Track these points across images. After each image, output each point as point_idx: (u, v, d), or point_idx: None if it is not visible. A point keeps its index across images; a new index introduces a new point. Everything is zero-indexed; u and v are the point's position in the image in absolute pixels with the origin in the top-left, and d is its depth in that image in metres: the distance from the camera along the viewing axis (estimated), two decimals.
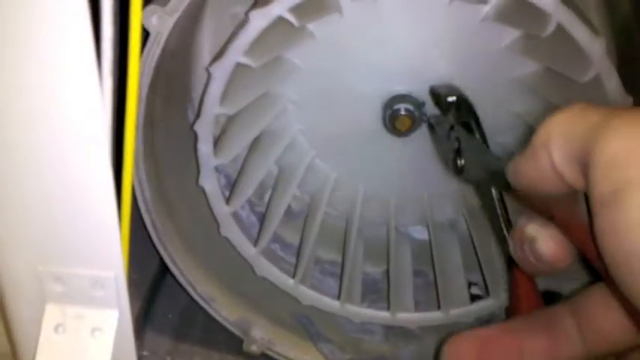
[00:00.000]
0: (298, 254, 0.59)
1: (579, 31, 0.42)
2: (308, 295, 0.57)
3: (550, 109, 0.54)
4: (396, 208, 0.63)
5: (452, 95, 0.51)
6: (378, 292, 0.65)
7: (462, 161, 0.44)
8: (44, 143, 0.28)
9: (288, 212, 0.63)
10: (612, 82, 0.44)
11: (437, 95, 0.54)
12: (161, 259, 0.53)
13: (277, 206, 0.57)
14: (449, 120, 0.49)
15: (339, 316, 0.59)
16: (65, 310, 0.31)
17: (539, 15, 0.43)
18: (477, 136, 0.48)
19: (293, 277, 0.58)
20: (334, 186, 0.62)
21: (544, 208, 0.27)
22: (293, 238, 0.64)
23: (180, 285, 0.55)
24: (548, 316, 0.28)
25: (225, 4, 0.54)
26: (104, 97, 0.27)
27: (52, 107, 0.27)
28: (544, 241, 0.26)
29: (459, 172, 0.44)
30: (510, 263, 0.33)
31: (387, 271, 0.62)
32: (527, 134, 0.58)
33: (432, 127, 0.54)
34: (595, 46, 0.43)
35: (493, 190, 0.39)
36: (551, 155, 0.24)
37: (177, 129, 0.55)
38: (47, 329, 0.31)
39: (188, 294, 0.55)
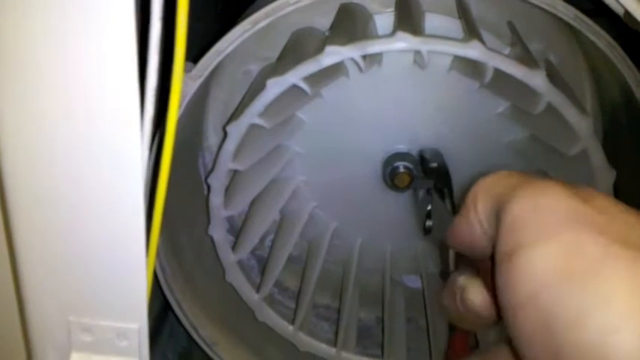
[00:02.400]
0: (297, 301, 0.61)
1: (568, 111, 0.46)
2: (306, 341, 0.60)
3: (538, 173, 0.58)
4: (392, 257, 0.66)
5: (434, 162, 0.55)
6: (371, 338, 0.67)
7: (430, 222, 0.48)
8: (81, 201, 0.31)
9: (288, 257, 0.65)
10: (598, 158, 0.48)
11: (422, 159, 0.57)
12: (163, 298, 0.54)
13: (279, 255, 0.60)
14: (428, 184, 0.53)
15: None
16: (91, 358, 0.33)
17: (531, 93, 0.47)
18: (448, 201, 0.51)
19: (292, 322, 0.60)
20: (333, 235, 0.65)
21: (476, 267, 0.28)
22: (290, 282, 0.67)
23: (181, 325, 0.57)
24: None
25: (239, 62, 0.57)
26: (142, 159, 0.30)
27: (91, 169, 0.30)
28: (472, 291, 0.27)
29: (426, 231, 0.48)
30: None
31: (382, 319, 0.64)
32: None
33: (414, 189, 0.58)
34: (583, 125, 0.46)
35: (450, 252, 0.43)
36: (478, 213, 0.25)
37: (187, 178, 0.58)
38: None
39: (188, 334, 0.57)
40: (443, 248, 0.46)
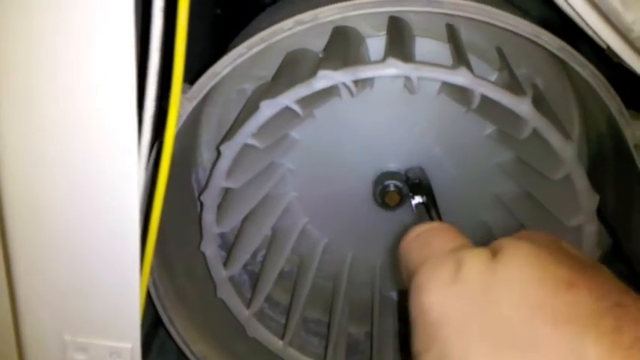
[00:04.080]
0: (287, 316, 0.62)
1: (553, 137, 0.48)
2: (295, 357, 0.60)
3: (525, 193, 0.60)
4: (381, 272, 0.67)
5: (416, 179, 0.57)
6: (359, 354, 0.68)
7: None
8: (77, 222, 0.32)
9: (279, 272, 0.66)
10: (581, 182, 0.49)
11: (406, 177, 0.59)
12: (154, 314, 0.55)
13: (271, 271, 0.60)
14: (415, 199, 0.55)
15: None
16: None
17: (517, 118, 0.49)
18: (434, 214, 0.53)
19: (282, 337, 0.61)
20: (324, 250, 0.66)
21: None
22: (280, 297, 0.68)
23: (171, 340, 0.57)
24: None
25: (234, 81, 0.59)
26: (139, 183, 0.31)
27: (88, 191, 0.31)
28: None
29: None
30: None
31: (371, 333, 0.65)
32: (506, 214, 0.64)
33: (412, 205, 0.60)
34: (567, 150, 0.48)
35: None
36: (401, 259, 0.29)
37: (180, 194, 0.59)
38: None
39: (177, 350, 0.58)
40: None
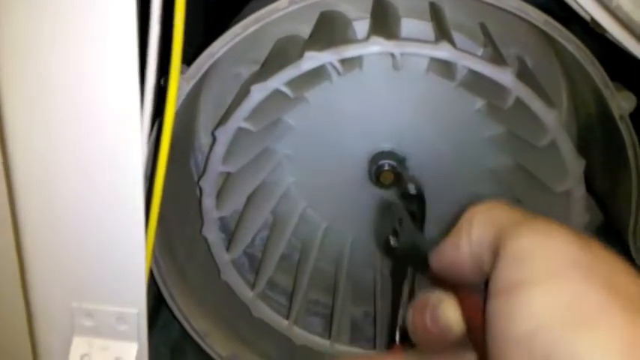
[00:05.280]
0: (291, 298, 0.64)
1: (536, 104, 0.49)
2: (301, 335, 0.62)
3: (517, 165, 0.61)
4: (382, 252, 0.69)
5: (413, 187, 0.57)
6: (359, 332, 0.70)
7: (395, 242, 0.50)
8: (83, 192, 0.33)
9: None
10: (566, 147, 0.51)
11: (401, 182, 0.60)
12: (157, 292, 0.57)
13: (272, 254, 0.62)
14: (400, 205, 0.55)
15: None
16: (92, 342, 0.36)
17: (501, 89, 0.50)
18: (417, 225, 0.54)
19: (286, 318, 0.63)
20: (324, 233, 0.68)
21: (451, 290, 0.28)
22: (280, 279, 0.69)
23: (175, 319, 0.59)
24: None
25: (229, 65, 0.60)
26: (142, 148, 0.32)
27: (94, 161, 0.32)
28: (447, 306, 0.27)
29: (389, 250, 0.49)
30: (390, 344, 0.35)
31: (374, 312, 0.67)
32: (498, 187, 0.65)
33: (381, 209, 0.61)
34: (550, 117, 0.49)
35: (409, 272, 0.43)
36: (471, 236, 0.25)
37: (179, 177, 0.61)
38: (74, 358, 0.36)
39: (181, 328, 0.60)
40: (399, 267, 0.47)
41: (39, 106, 0.31)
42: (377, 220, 0.62)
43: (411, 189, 0.50)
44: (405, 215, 0.52)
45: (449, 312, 0.27)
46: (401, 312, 0.39)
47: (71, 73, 0.31)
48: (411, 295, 0.44)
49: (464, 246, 0.25)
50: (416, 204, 0.56)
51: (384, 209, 0.60)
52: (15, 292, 0.36)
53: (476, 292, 0.26)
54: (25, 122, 0.31)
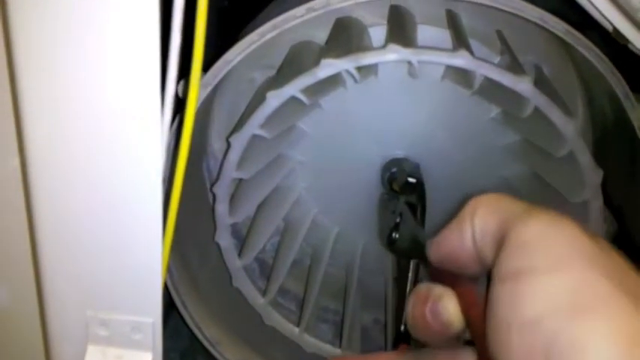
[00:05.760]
0: (302, 304, 0.64)
1: (554, 114, 0.49)
2: (311, 343, 0.62)
3: (532, 175, 0.61)
4: (393, 260, 0.69)
5: (413, 177, 0.57)
6: (369, 339, 0.69)
7: (396, 235, 0.49)
8: (101, 200, 0.33)
9: None
10: (584, 158, 0.50)
11: (400, 172, 0.59)
12: (168, 299, 0.57)
13: (284, 261, 0.62)
14: (400, 198, 0.55)
15: None
16: (106, 351, 0.36)
17: (519, 97, 0.50)
18: (418, 217, 0.53)
19: (297, 325, 0.62)
20: (336, 239, 0.67)
21: (449, 282, 0.28)
22: (291, 285, 0.69)
23: (185, 324, 0.59)
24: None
25: (244, 70, 0.60)
26: (160, 159, 0.32)
27: (112, 169, 0.32)
28: (448, 300, 0.27)
29: (390, 243, 0.49)
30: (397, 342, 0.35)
31: (384, 320, 0.66)
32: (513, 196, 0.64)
33: (381, 202, 0.60)
34: (568, 127, 0.49)
35: (412, 263, 0.43)
36: (474, 226, 0.25)
37: (191, 183, 0.61)
38: None
39: (191, 334, 0.60)
40: (403, 262, 0.46)
41: (58, 114, 0.31)
42: (380, 215, 0.61)
43: (411, 179, 0.50)
44: (405, 208, 0.52)
45: (450, 307, 0.27)
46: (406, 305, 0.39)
47: (91, 79, 0.31)
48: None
49: (466, 236, 0.25)
50: (416, 195, 0.55)
51: (386, 204, 0.59)
52: (30, 300, 0.35)
53: (475, 283, 0.26)
54: (45, 130, 0.31)
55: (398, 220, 0.48)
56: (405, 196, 0.54)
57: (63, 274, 0.34)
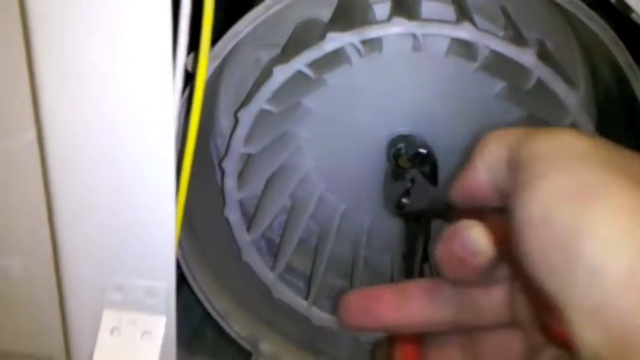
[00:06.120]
0: (310, 280, 0.65)
1: (557, 85, 0.49)
2: (319, 316, 0.63)
3: None
4: (399, 237, 0.69)
5: (424, 148, 0.58)
6: None
7: (406, 200, 0.51)
8: (114, 168, 0.34)
9: None
10: (588, 129, 0.51)
11: (409, 146, 0.60)
12: (179, 275, 0.58)
13: (291, 237, 0.63)
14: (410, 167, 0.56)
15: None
16: (121, 315, 0.37)
17: (522, 70, 0.50)
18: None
19: (305, 299, 0.63)
20: (342, 217, 0.68)
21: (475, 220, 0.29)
22: (297, 262, 0.70)
23: (197, 299, 0.60)
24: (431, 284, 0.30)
25: (250, 48, 0.61)
26: (172, 121, 0.33)
27: (125, 134, 0.33)
28: (476, 231, 0.27)
29: (400, 207, 0.50)
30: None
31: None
32: None
33: (387, 173, 0.61)
34: (571, 98, 0.49)
35: (423, 221, 0.44)
36: (485, 157, 0.26)
37: (199, 161, 0.61)
38: (104, 332, 0.37)
39: (202, 310, 0.61)
40: (411, 224, 0.48)
41: (72, 89, 0.32)
42: (386, 185, 0.62)
43: (422, 150, 0.51)
44: (417, 174, 0.53)
45: (478, 235, 0.27)
46: (419, 255, 0.40)
47: (104, 51, 0.31)
48: (426, 246, 0.46)
49: (480, 168, 0.26)
50: (428, 164, 0.57)
51: (391, 175, 0.60)
52: (46, 266, 0.36)
53: (500, 214, 0.27)
54: (59, 103, 0.32)
55: (409, 185, 0.49)
56: (416, 167, 0.55)
57: (79, 239, 0.35)
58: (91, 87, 0.31)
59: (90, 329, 0.38)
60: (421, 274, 0.50)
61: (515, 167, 0.25)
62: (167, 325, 0.37)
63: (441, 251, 0.29)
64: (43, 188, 0.33)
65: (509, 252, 0.26)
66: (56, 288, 0.37)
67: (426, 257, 0.50)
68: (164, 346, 0.37)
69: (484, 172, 0.26)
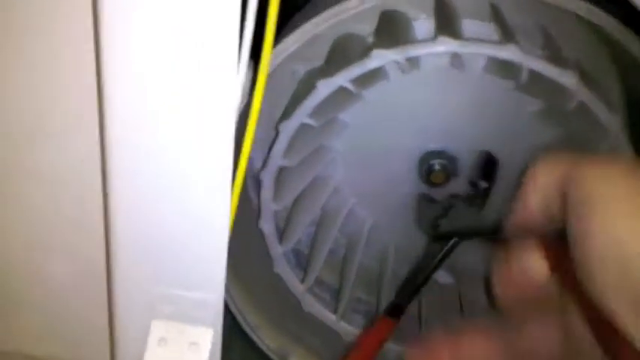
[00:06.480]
0: (338, 295, 0.65)
1: (599, 109, 0.49)
2: (349, 330, 0.63)
3: None
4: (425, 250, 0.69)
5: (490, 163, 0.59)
6: (401, 330, 0.70)
7: (442, 221, 0.52)
8: (172, 180, 0.34)
9: None
10: (627, 153, 0.51)
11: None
12: None
13: (321, 249, 0.63)
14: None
15: None
16: (169, 326, 0.37)
17: (564, 91, 0.50)
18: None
19: (334, 313, 0.63)
20: (371, 230, 0.68)
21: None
22: (325, 275, 0.70)
23: (226, 311, 0.61)
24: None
25: (287, 62, 0.61)
26: (229, 154, 0.33)
27: (183, 156, 0.33)
28: (531, 253, 0.29)
29: (434, 228, 0.52)
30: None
31: (419, 315, 0.67)
32: None
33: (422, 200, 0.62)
34: (612, 122, 0.50)
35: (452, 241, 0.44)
36: (536, 187, 0.28)
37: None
38: (152, 342, 0.37)
39: (231, 320, 0.61)
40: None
41: (138, 106, 0.32)
42: (420, 206, 0.63)
43: (482, 184, 0.52)
44: (458, 201, 0.54)
45: (535, 258, 0.29)
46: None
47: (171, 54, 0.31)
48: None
49: (532, 199, 0.28)
50: (485, 175, 0.58)
51: (426, 200, 0.62)
52: (96, 273, 0.37)
53: (553, 238, 0.28)
54: (123, 111, 0.32)
55: (446, 207, 0.50)
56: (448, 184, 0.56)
57: (132, 250, 0.35)
58: (158, 109, 0.32)
59: (138, 339, 0.38)
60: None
61: (570, 195, 0.26)
62: (214, 337, 0.37)
63: (498, 274, 0.30)
64: (100, 196, 0.34)
65: (563, 276, 0.27)
66: (106, 296, 0.37)
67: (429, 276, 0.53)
68: (210, 358, 0.37)
69: (536, 201, 0.28)
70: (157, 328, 0.37)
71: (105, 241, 0.35)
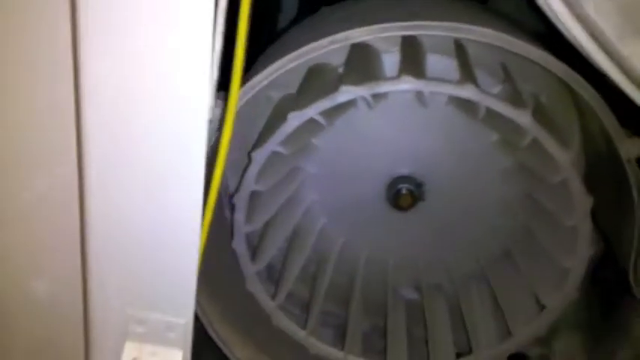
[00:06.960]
0: (308, 309, 0.68)
1: (551, 145, 0.53)
2: (316, 345, 0.66)
3: (528, 196, 0.65)
4: (394, 270, 0.73)
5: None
6: (369, 344, 0.73)
7: None
8: (144, 211, 0.37)
9: None
10: (577, 186, 0.55)
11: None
12: None
13: (293, 267, 0.66)
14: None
15: None
16: (142, 347, 0.40)
17: (519, 127, 0.54)
18: None
19: (303, 328, 0.66)
20: (341, 249, 0.71)
21: None
22: (295, 288, 0.73)
23: (200, 323, 0.63)
24: None
25: (262, 89, 0.64)
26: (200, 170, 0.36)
27: (156, 180, 0.36)
28: None
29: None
30: None
31: (384, 327, 0.70)
32: (509, 217, 0.69)
33: None
34: (564, 157, 0.53)
35: None
36: None
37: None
38: None
39: (200, 333, 0.64)
40: None
41: (114, 123, 0.35)
42: None
43: None
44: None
45: None
46: None
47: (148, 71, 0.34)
48: None
49: None
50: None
51: None
52: (74, 297, 0.39)
53: None
54: (104, 133, 0.35)
55: None
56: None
57: (108, 274, 0.38)
58: (132, 124, 0.34)
59: (112, 358, 0.41)
60: None
61: None
62: (183, 359, 0.40)
63: None
64: (78, 218, 0.36)
65: None
66: (82, 316, 0.39)
67: None
68: None
69: None
70: (131, 349, 0.40)
71: (80, 260, 0.37)
